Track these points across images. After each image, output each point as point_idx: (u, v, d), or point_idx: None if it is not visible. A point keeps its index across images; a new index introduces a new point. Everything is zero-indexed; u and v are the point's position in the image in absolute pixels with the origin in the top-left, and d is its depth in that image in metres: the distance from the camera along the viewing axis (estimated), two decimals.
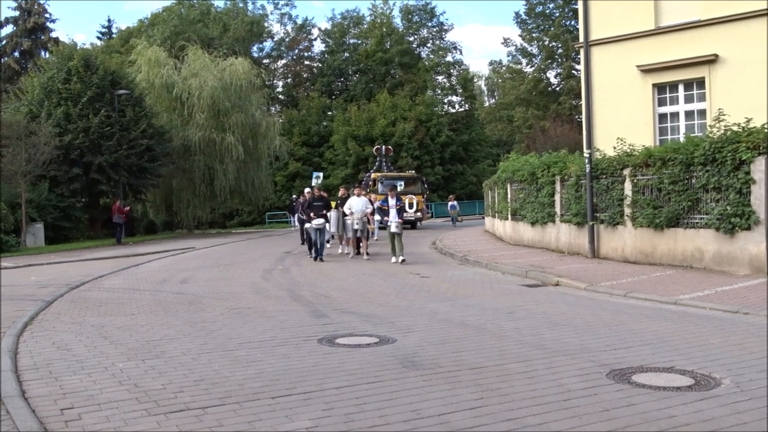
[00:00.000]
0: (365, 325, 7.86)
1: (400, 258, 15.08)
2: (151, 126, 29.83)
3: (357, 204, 16.42)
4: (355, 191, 17.10)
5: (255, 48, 58.58)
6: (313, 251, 16.73)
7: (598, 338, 6.81)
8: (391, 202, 15.85)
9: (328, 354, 6.33)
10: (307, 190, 20.06)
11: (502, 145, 57.36)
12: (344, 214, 16.97)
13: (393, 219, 15.52)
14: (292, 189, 45.28)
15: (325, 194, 18.50)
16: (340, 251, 17.98)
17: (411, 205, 28.86)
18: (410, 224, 28.19)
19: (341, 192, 18.99)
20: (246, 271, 14.65)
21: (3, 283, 12.71)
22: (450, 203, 34.62)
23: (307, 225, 17.17)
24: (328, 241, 18.06)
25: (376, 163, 34.22)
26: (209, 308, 9.42)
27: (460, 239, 22.31)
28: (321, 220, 16.30)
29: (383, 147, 34.18)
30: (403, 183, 29.13)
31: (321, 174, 33.33)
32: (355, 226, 16.35)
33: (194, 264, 16.88)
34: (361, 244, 16.85)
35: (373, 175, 31.95)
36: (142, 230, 35.62)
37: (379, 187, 28.96)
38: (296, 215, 22.96)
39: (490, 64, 57.15)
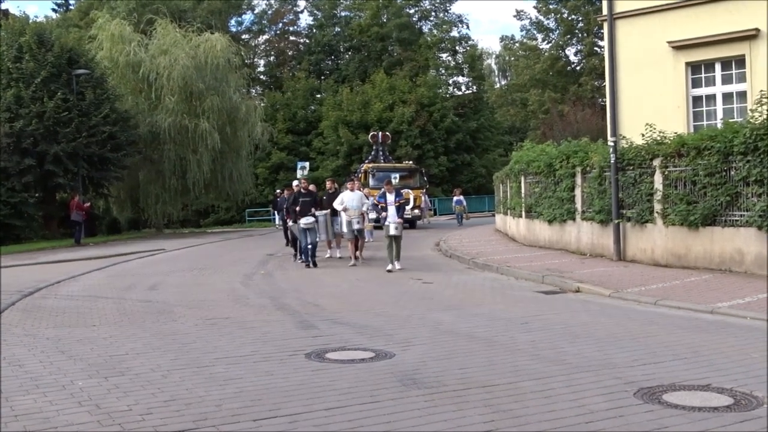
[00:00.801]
0: (359, 337, 7.85)
1: (397, 265, 14.57)
2: (114, 111, 29.76)
3: (351, 199, 16.00)
4: (349, 185, 16.63)
5: (233, 22, 58.58)
6: (301, 255, 16.46)
7: (624, 352, 6.82)
8: (390, 198, 15.08)
9: (317, 371, 6.32)
10: (295, 183, 19.61)
11: (514, 133, 57.42)
12: (333, 213, 16.61)
13: (392, 218, 14.82)
14: (276, 183, 45.26)
15: (313, 188, 18.11)
16: (328, 255, 17.65)
17: (408, 201, 28.56)
18: (408, 223, 27.85)
19: (328, 186, 18.00)
20: (223, 276, 14.62)
21: None
22: (455, 198, 33.98)
23: (290, 224, 16.76)
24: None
25: (372, 153, 34.01)
26: (181, 318, 9.40)
27: (467, 239, 22.32)
28: (310, 219, 15.76)
29: (379, 134, 33.92)
30: (398, 176, 28.55)
31: (307, 164, 33.11)
32: (355, 226, 15.79)
33: (164, 268, 16.84)
34: (353, 246, 16.42)
35: (364, 167, 31.69)
36: (105, 229, 35.56)
37: (370, 180, 28.54)
38: (281, 212, 22.55)
39: (502, 40, 57.22)
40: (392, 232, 14.72)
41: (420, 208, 30.53)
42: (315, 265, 15.58)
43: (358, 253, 16.20)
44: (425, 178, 33.24)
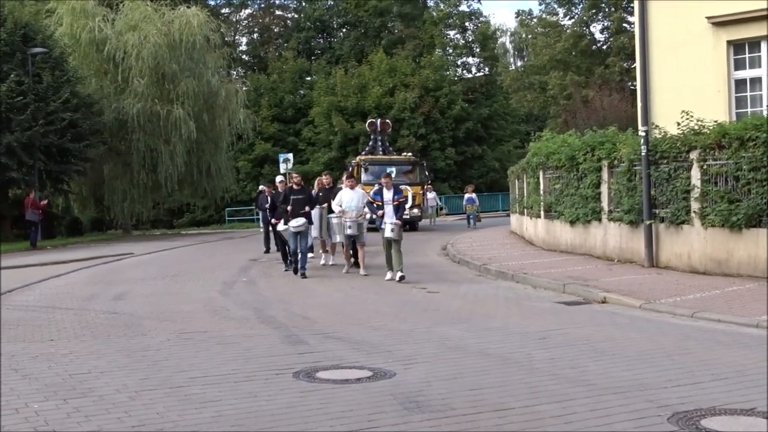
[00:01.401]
0: (355, 354, 7.85)
1: (398, 274, 14.18)
2: (75, 95, 29.75)
3: (351, 199, 15.45)
4: (347, 182, 16.08)
5: None
6: (289, 262, 16.06)
7: (657, 371, 6.82)
8: (387, 195, 14.62)
9: (306, 392, 6.32)
10: (279, 179, 19.01)
11: (532, 121, 57.41)
12: (329, 211, 16.32)
13: (389, 219, 14.39)
14: (260, 177, 45.27)
15: (327, 180, 17.52)
16: (322, 262, 17.32)
17: (407, 199, 28.03)
18: (408, 224, 27.48)
19: (324, 181, 17.63)
20: (200, 285, 14.61)
21: None
22: (466, 196, 33.51)
23: (280, 227, 16.01)
24: (310, 249, 17.01)
25: (369, 143, 33.83)
26: (151, 332, 9.40)
27: (477, 243, 22.32)
28: (302, 221, 15.08)
29: (378, 121, 33.40)
30: (394, 170, 27.57)
31: (291, 156, 32.75)
32: (348, 231, 15.30)
33: (132, 275, 16.82)
34: (351, 253, 15.93)
35: (357, 159, 31.43)
36: (65, 231, 35.54)
37: (363, 175, 28.19)
38: (263, 212, 21.94)
39: (518, 15, 57.23)
40: (388, 234, 14.28)
41: (420, 207, 30.19)
42: (304, 275, 14.96)
43: (361, 261, 15.58)
44: (427, 173, 32.89)
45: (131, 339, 8.98)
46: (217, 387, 6.51)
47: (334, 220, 15.98)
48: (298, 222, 15.03)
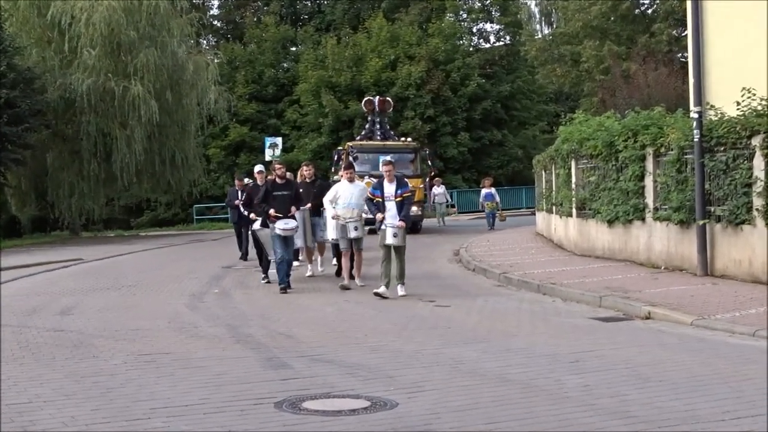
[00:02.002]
0: (349, 380, 7.85)
1: (399, 289, 13.59)
2: (12, 68, 29.75)
3: (351, 195, 14.80)
4: (345, 173, 15.46)
5: None
6: (267, 271, 15.91)
7: (712, 400, 6.81)
8: (389, 189, 13.96)
9: (291, 426, 6.30)
10: (257, 168, 18.66)
11: (562, 100, 57.32)
12: (316, 213, 16.06)
13: (391, 220, 13.77)
14: (235, 168, 45.23)
15: (309, 173, 17.02)
16: (309, 273, 16.92)
17: (413, 193, 27.33)
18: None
19: (306, 172, 17.03)
20: (163, 296, 14.60)
21: None
22: (484, 191, 32.87)
23: (257, 228, 15.61)
24: (297, 257, 16.72)
25: (366, 126, 33.35)
26: (105, 354, 9.38)
27: (496, 247, 22.31)
28: (290, 223, 14.60)
29: (376, 99, 32.86)
30: (389, 158, 26.92)
31: (280, 141, 32.29)
32: (352, 233, 14.66)
33: (82, 285, 16.79)
34: (347, 261, 15.14)
35: (345, 145, 30.83)
36: (0, 232, 35.50)
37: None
38: (234, 210, 21.43)
39: None
40: (389, 240, 13.64)
41: (421, 205, 29.77)
42: (288, 287, 14.64)
43: (354, 272, 15.11)
44: (430, 163, 32.31)
45: (80, 362, 8.95)
46: (182, 419, 6.50)
47: (330, 216, 15.47)
48: (285, 224, 14.45)
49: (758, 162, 13.22)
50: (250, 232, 17.45)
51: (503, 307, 12.61)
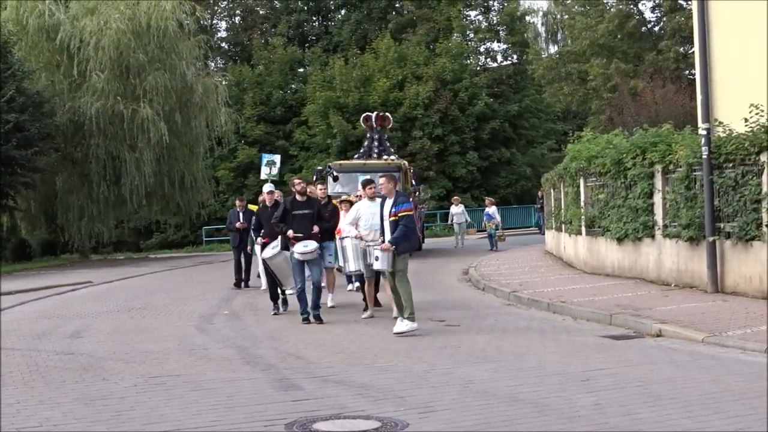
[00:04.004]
0: (359, 401, 7.84)
1: (403, 324, 11.87)
2: (21, 92, 29.90)
3: (372, 215, 13.20)
4: (366, 191, 13.87)
5: None
6: (282, 304, 14.66)
7: (725, 418, 6.79)
8: (388, 205, 12.50)
9: None
10: (267, 188, 16.32)
11: (570, 118, 57.33)
12: (329, 237, 14.43)
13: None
14: (244, 190, 45.31)
15: (322, 192, 15.59)
16: (330, 303, 15.21)
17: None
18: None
19: (320, 192, 15.58)
20: (172, 319, 14.61)
21: None
22: (486, 211, 31.84)
23: (266, 254, 14.23)
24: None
25: (365, 144, 30.95)
26: (115, 377, 9.39)
27: (506, 266, 22.28)
28: (309, 245, 13.22)
29: (374, 115, 30.66)
30: (369, 177, 23.57)
31: (277, 159, 29.52)
32: (377, 265, 12.42)
33: (92, 308, 16.82)
34: (371, 289, 14.00)
35: (330, 164, 28.87)
36: (10, 255, 35.63)
37: (330, 185, 25.29)
38: (235, 234, 20.23)
39: None
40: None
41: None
42: (317, 320, 13.24)
43: (369, 296, 13.94)
44: (414, 182, 29.26)
45: (90, 385, 8.97)
46: None
47: (349, 243, 14.04)
48: (306, 245, 13.18)
49: (767, 178, 13.22)
50: (261, 260, 15.97)
51: (513, 326, 12.60)
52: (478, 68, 54.79)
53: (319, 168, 29.50)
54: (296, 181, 14.34)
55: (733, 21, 16.46)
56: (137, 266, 30.32)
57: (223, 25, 62.47)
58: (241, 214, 19.98)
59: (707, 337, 10.44)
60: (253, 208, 20.57)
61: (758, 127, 13.64)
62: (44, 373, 9.80)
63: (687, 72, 44.69)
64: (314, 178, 26.76)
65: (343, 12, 59.05)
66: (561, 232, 22.99)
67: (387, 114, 32.19)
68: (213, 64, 54.63)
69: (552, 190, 25.38)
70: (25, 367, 10.22)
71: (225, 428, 6.93)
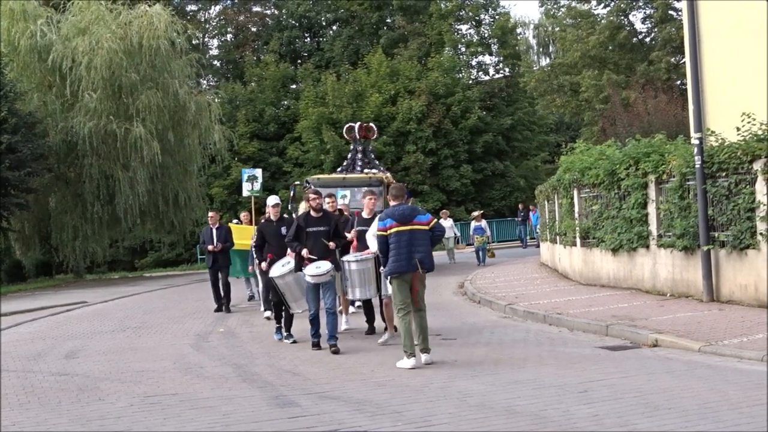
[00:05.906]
0: (357, 416, 7.84)
1: (425, 356, 10.76)
2: (13, 113, 29.90)
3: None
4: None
5: None
6: (286, 330, 13.33)
7: (722, 427, 6.80)
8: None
9: None
10: (272, 201, 14.43)
11: (563, 130, 57.51)
12: (336, 253, 12.68)
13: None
14: (238, 207, 45.25)
15: (342, 206, 14.97)
16: (344, 326, 14.15)
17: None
18: None
19: (313, 203, 12.78)
20: (168, 337, 14.61)
21: None
22: (474, 225, 30.76)
23: (273, 273, 12.99)
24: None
25: (348, 156, 29.83)
26: (110, 397, 9.39)
27: (501, 278, 22.30)
28: (322, 266, 12.11)
29: (357, 126, 29.19)
30: (348, 193, 23.08)
31: (259, 173, 27.12)
32: (388, 287, 11.63)
33: (86, 328, 16.82)
34: (390, 311, 12.55)
35: (308, 179, 27.23)
36: (4, 276, 35.54)
37: (305, 200, 23.11)
38: (210, 255, 18.66)
39: (542, 4, 57.46)
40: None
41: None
42: (336, 349, 11.91)
43: (386, 322, 12.94)
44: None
45: (86, 405, 8.96)
46: None
47: (356, 267, 12.65)
48: (318, 267, 12.08)
49: (760, 186, 13.26)
50: (261, 279, 15.37)
51: (510, 339, 12.61)
52: (471, 82, 55.02)
53: (297, 183, 28.89)
54: (312, 195, 12.88)
55: (724, 31, 16.56)
56: (132, 285, 30.29)
57: (215, 42, 62.74)
58: (214, 231, 18.39)
59: (704, 347, 10.47)
60: (235, 227, 20.31)
61: (750, 135, 13.72)
62: (40, 394, 9.78)
63: (679, 82, 44.94)
64: (290, 194, 26.34)
65: (334, 28, 59.30)
66: (556, 243, 23.04)
67: (371, 125, 30.78)
68: (205, 82, 54.80)
69: (546, 202, 25.43)
70: (20, 388, 10.21)
71: None
